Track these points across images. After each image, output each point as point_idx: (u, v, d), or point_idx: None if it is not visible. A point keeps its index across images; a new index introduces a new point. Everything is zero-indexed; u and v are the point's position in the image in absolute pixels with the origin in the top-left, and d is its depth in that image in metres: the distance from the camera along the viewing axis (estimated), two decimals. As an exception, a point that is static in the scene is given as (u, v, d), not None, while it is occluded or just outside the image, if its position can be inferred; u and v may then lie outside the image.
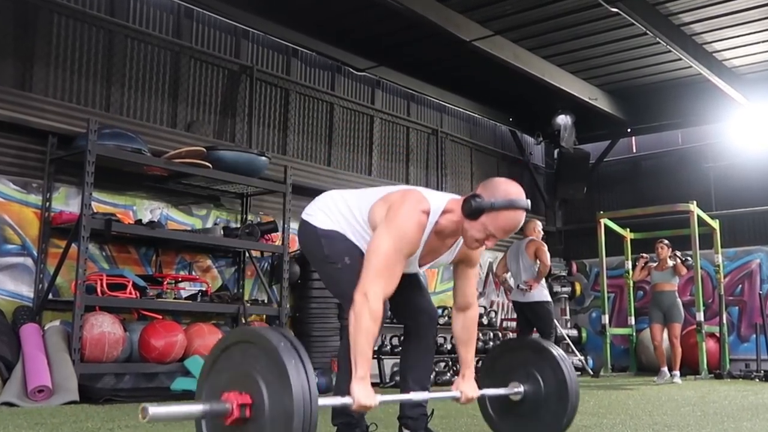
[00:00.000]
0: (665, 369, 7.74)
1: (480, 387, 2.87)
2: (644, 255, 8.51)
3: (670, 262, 7.96)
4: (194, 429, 2.19)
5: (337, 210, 2.76)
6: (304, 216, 2.84)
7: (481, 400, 3.08)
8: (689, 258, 8.37)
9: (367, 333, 2.39)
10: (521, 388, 2.94)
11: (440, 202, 2.61)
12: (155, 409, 1.95)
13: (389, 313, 2.80)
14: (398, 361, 3.19)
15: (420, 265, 2.74)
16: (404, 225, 2.52)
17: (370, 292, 2.41)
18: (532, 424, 2.95)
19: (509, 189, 2.51)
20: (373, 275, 2.45)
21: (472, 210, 2.49)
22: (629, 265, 10.01)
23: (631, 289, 9.96)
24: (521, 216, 2.52)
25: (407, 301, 2.89)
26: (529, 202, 2.54)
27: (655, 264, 8.16)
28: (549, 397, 2.91)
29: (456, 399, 2.78)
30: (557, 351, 2.99)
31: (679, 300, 7.93)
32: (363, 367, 2.38)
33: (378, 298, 2.42)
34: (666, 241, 8.16)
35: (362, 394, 2.36)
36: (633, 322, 9.92)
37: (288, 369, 2.00)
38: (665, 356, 7.86)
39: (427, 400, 2.88)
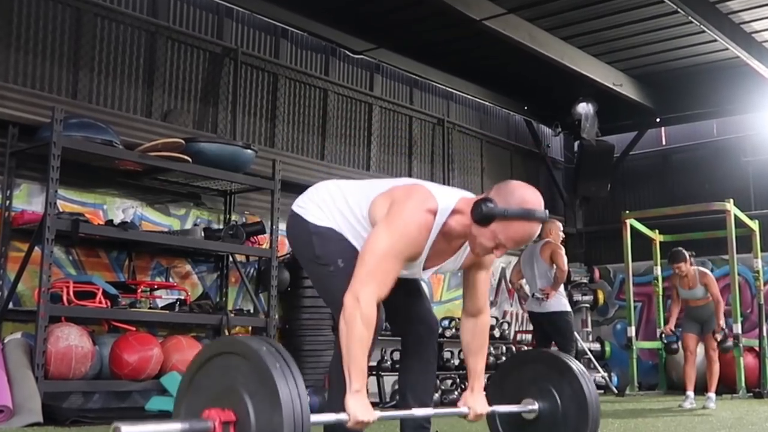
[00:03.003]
0: (691, 393, 7.19)
1: (490, 404, 2.86)
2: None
3: (698, 278, 7.21)
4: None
5: (333, 204, 2.74)
6: (295, 208, 2.83)
7: (491, 418, 3.08)
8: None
9: (361, 340, 2.40)
10: (536, 406, 2.94)
11: (449, 200, 2.60)
12: (129, 429, 1.96)
13: (386, 324, 2.80)
14: (398, 379, 3.19)
15: (424, 269, 2.74)
16: (406, 225, 2.52)
17: (361, 294, 2.42)
18: None
19: (526, 196, 2.51)
20: (366, 276, 2.45)
21: (483, 215, 2.48)
22: (658, 270, 10.01)
23: (660, 297, 9.96)
24: (536, 228, 2.53)
25: (405, 309, 2.89)
26: (547, 212, 2.55)
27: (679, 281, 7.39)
28: (567, 415, 2.90)
29: (464, 416, 2.78)
30: (576, 365, 2.98)
31: None
32: (358, 379, 2.39)
33: (371, 302, 2.43)
34: (681, 265, 7.21)
35: (358, 408, 2.36)
36: (659, 334, 9.91)
37: (276, 381, 2.00)
38: (695, 374, 7.37)
39: (431, 418, 2.88)
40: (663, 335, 7.97)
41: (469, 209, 2.55)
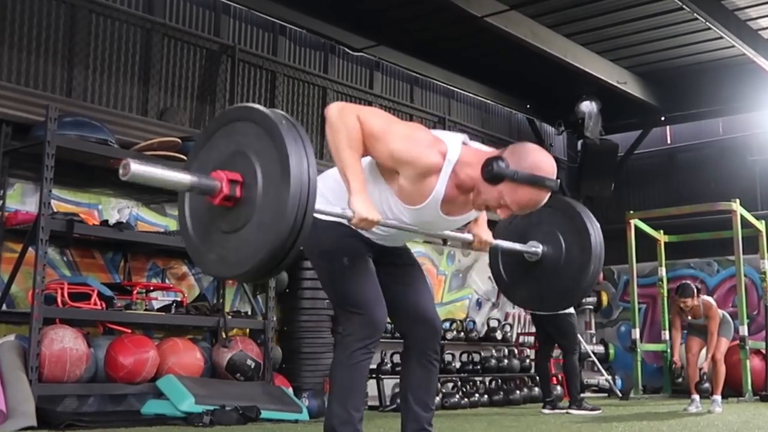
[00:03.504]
0: (696, 396, 7.15)
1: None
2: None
3: (703, 310, 7.16)
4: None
5: (341, 189, 2.70)
6: None
7: (494, 257, 3.09)
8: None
9: (349, 143, 2.51)
10: (540, 247, 2.92)
11: (455, 148, 2.59)
12: (138, 166, 2.03)
13: (388, 326, 2.78)
14: (399, 381, 3.18)
15: (446, 214, 2.67)
16: (412, 138, 2.57)
17: (346, 108, 2.55)
18: (550, 283, 2.95)
19: (539, 162, 2.51)
20: (356, 110, 2.59)
21: (492, 175, 2.48)
22: (663, 271, 10.01)
23: (665, 299, 9.96)
24: (544, 196, 2.54)
25: (408, 306, 2.85)
26: (558, 181, 2.55)
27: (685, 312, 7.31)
28: (570, 258, 2.90)
29: (468, 243, 2.83)
30: (582, 210, 2.98)
31: (727, 316, 7.43)
32: (356, 180, 2.49)
33: (354, 117, 2.53)
34: (687, 300, 7.09)
35: (362, 206, 2.44)
36: (667, 337, 9.91)
37: (283, 137, 2.09)
38: (698, 376, 7.37)
39: (432, 424, 2.87)
40: (673, 367, 7.87)
41: (479, 162, 2.54)
